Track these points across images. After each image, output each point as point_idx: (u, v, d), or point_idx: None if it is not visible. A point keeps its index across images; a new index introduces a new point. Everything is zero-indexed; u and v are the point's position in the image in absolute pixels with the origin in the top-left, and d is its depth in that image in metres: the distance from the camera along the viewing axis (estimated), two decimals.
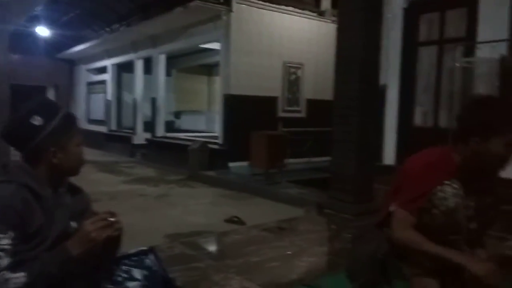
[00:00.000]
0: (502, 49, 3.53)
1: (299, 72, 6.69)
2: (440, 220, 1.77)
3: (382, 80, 4.40)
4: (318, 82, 6.63)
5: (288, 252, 2.44)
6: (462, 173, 1.82)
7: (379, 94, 4.36)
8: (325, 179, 3.75)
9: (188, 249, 2.42)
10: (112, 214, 1.27)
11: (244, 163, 5.64)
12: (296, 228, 3.09)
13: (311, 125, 6.30)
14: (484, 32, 3.72)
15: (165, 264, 2.07)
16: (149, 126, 8.47)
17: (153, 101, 8.33)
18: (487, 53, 3.59)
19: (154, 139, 8.18)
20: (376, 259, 1.85)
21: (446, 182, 1.76)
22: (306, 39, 6.67)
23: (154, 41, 8.07)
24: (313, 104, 6.73)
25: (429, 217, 1.79)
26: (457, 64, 3.76)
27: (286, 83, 6.56)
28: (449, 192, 1.74)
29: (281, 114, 6.51)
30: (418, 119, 4.32)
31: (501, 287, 1.67)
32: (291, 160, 5.81)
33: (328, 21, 6.69)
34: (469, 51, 3.78)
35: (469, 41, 3.79)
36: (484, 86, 3.53)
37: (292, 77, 6.62)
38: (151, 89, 8.49)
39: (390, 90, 4.45)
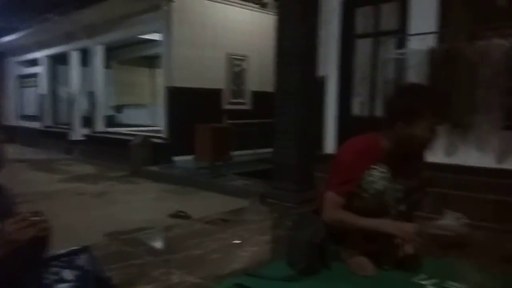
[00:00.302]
0: (431, 41, 3.74)
1: (243, 64, 6.69)
2: (370, 203, 1.86)
3: (322, 72, 4.51)
4: (263, 74, 6.67)
5: (235, 241, 2.44)
6: (389, 157, 1.92)
7: (320, 85, 4.47)
8: (270, 170, 3.80)
9: (126, 246, 2.34)
10: (36, 214, 1.19)
11: (189, 157, 5.56)
12: (239, 219, 3.10)
13: (257, 117, 6.34)
14: (415, 25, 3.91)
15: (101, 263, 1.99)
16: (88, 121, 8.06)
17: (91, 95, 7.93)
18: (418, 45, 3.79)
19: (93, 134, 7.81)
20: (313, 244, 1.90)
21: (374, 166, 1.85)
22: (250, 31, 6.67)
23: (90, 31, 7.67)
24: (258, 96, 6.76)
25: (360, 201, 1.87)
26: (391, 56, 3.95)
27: (230, 75, 6.53)
28: (377, 176, 1.84)
29: (226, 106, 6.48)
30: (356, 109, 4.48)
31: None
32: (237, 152, 5.82)
33: (271, 13, 6.72)
34: (402, 43, 3.97)
35: (401, 34, 3.98)
36: (415, 76, 3.72)
37: (236, 69, 6.60)
38: (88, 82, 8.07)
39: (330, 81, 4.57)
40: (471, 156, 3.70)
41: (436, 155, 3.93)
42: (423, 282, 1.81)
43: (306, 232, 1.94)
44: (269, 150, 5.21)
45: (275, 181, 3.46)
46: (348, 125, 4.38)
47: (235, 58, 6.56)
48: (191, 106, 5.87)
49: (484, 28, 3.54)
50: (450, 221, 2.35)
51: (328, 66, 4.54)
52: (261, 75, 6.74)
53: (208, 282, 1.85)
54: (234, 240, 2.49)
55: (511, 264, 2.00)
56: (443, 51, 3.54)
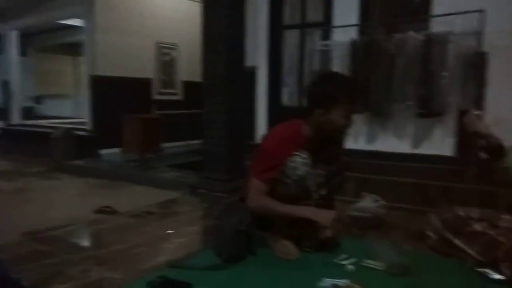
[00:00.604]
0: (354, 33, 3.92)
1: (173, 53, 6.50)
2: (293, 188, 1.91)
3: (253, 62, 4.54)
4: (194, 63, 6.52)
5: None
6: (310, 143, 1.99)
7: (250, 75, 4.50)
8: (202, 161, 3.75)
9: (42, 245, 2.17)
10: None
11: (117, 150, 5.31)
12: (166, 211, 3.03)
13: (189, 108, 6.21)
14: (338, 17, 4.07)
15: (12, 264, 1.83)
16: (3, 113, 7.37)
17: (6, 85, 7.25)
18: (341, 37, 3.95)
19: (9, 127, 7.16)
20: (239, 232, 1.91)
21: (296, 153, 1.91)
22: (179, 19, 6.49)
23: (2, 15, 6.97)
24: (189, 86, 6.63)
25: (283, 186, 1.92)
26: (316, 47, 4.07)
27: (160, 64, 6.32)
28: (299, 162, 1.89)
29: (157, 96, 6.27)
30: (285, 99, 4.58)
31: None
32: (168, 144, 5.68)
33: (200, 1, 6.60)
34: (327, 35, 4.11)
35: (325, 26, 4.12)
36: (339, 67, 3.88)
37: (166, 58, 6.40)
38: (2, 71, 7.36)
39: (260, 72, 4.61)
40: (390, 143, 3.96)
41: (358, 143, 4.16)
42: (343, 262, 1.89)
43: (231, 220, 1.94)
44: (202, 141, 5.15)
45: (205, 171, 3.43)
46: (278, 115, 4.46)
47: (164, 47, 6.36)
48: (118, 96, 5.59)
49: (400, 22, 3.78)
50: (367, 203, 2.51)
51: (258, 57, 4.59)
52: (192, 65, 6.60)
53: (129, 277, 1.78)
54: (161, 232, 2.43)
55: (422, 241, 2.16)
56: (363, 43, 3.73)
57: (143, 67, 6.05)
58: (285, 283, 1.74)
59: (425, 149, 3.80)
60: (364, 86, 3.79)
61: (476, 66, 3.41)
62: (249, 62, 4.39)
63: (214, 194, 3.24)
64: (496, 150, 1.86)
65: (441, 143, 3.74)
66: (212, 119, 3.28)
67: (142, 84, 6.06)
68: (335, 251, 2.01)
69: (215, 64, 3.21)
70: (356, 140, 4.17)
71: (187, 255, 2.02)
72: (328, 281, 1.67)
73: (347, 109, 1.88)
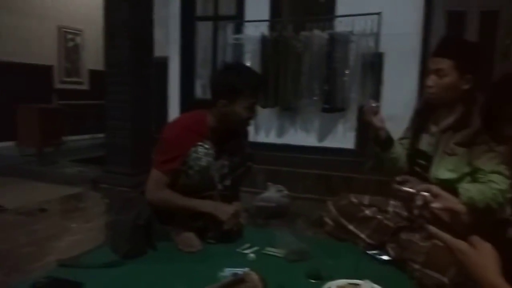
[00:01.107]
0: (264, 28, 3.99)
1: (78, 39, 6.04)
2: (196, 179, 1.88)
3: (164, 52, 4.39)
4: (101, 50, 6.14)
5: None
6: (214, 134, 1.97)
7: (162, 66, 4.35)
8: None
9: None
10: None
11: (11, 143, 4.80)
12: (63, 207, 2.81)
13: (96, 98, 5.81)
14: (250, 12, 4.12)
15: None
16: None
17: None
18: (253, 31, 4.00)
19: None
20: (137, 226, 1.82)
21: (199, 143, 1.88)
22: (85, 2, 6.04)
23: None
24: (96, 75, 6.19)
25: (186, 178, 1.87)
26: (229, 41, 4.08)
27: (62, 50, 5.83)
28: (201, 152, 1.86)
29: (59, 85, 5.79)
30: (198, 91, 4.52)
31: None
32: (73, 137, 5.28)
33: None
34: (239, 29, 4.13)
35: (238, 19, 4.13)
36: (250, 60, 3.92)
37: (70, 44, 5.93)
38: None
39: (172, 63, 4.49)
40: (298, 136, 4.13)
41: (269, 136, 4.28)
42: (245, 251, 1.91)
43: (130, 214, 1.85)
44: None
45: (108, 165, 3.24)
46: (191, 108, 4.38)
47: (68, 32, 5.87)
48: (12, 84, 5.04)
49: (307, 20, 3.94)
50: (272, 193, 2.57)
51: (171, 47, 4.46)
52: (99, 52, 6.19)
53: (13, 279, 1.60)
54: (53, 230, 2.23)
55: (321, 228, 2.27)
56: (273, 39, 3.82)
57: (44, 53, 5.54)
58: (185, 276, 1.70)
59: (330, 143, 4.03)
60: (274, 81, 3.89)
61: (373, 65, 3.68)
62: (160, 52, 4.25)
63: (118, 189, 3.08)
64: (385, 141, 2.01)
65: (343, 136, 3.99)
66: (116, 109, 3.10)
67: (42, 72, 5.54)
68: (238, 241, 2.02)
69: (118, 51, 3.03)
70: (267, 134, 4.27)
71: (81, 253, 1.88)
72: (228, 271, 1.67)
73: (250, 101, 1.90)
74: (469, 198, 1.54)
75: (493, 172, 1.64)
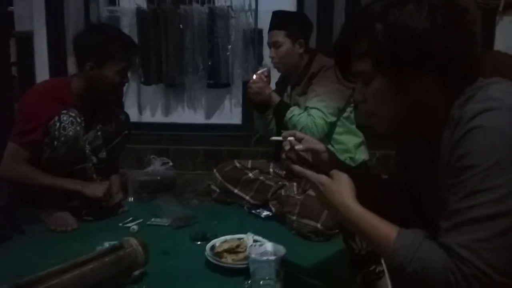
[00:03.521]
0: (141, 1, 3.79)
1: None
2: (63, 151, 1.70)
3: (28, 27, 3.90)
4: None
5: None
6: (81, 102, 1.82)
7: (26, 42, 3.87)
8: None
9: None
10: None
11: None
12: None
13: None
14: None
15: None
16: None
17: None
18: (128, 3, 3.77)
19: None
20: None
21: (63, 111, 1.71)
22: None
23: None
24: None
25: (51, 151, 1.69)
26: (103, 13, 3.79)
27: None
28: (67, 121, 1.67)
29: None
30: (71, 70, 4.12)
31: None
32: None
33: None
34: (113, 0, 3.87)
35: None
36: (129, 33, 3.70)
37: None
38: None
39: (38, 39, 4.01)
40: (185, 115, 4.06)
41: (155, 116, 4.13)
42: (129, 224, 1.83)
43: None
44: None
45: None
46: None
47: None
48: None
49: None
50: (156, 167, 2.50)
51: (34, 21, 3.97)
52: None
53: None
54: None
55: (208, 196, 2.29)
56: (151, 11, 3.66)
57: None
58: (59, 255, 1.55)
59: (217, 119, 4.06)
60: (155, 56, 3.75)
61: (254, 41, 3.78)
62: (23, 26, 3.78)
63: None
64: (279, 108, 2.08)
65: (230, 112, 4.05)
66: None
67: None
68: (120, 216, 1.93)
69: None
70: (153, 113, 4.13)
71: None
72: (107, 244, 1.57)
73: (121, 64, 1.78)
74: (293, 116, 1.93)
75: (313, 108, 1.96)
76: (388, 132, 1.01)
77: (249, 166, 2.25)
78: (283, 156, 1.14)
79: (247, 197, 2.13)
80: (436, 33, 0.83)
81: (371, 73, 0.90)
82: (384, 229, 0.89)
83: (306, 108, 1.98)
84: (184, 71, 3.78)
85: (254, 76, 2.07)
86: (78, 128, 1.70)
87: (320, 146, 1.15)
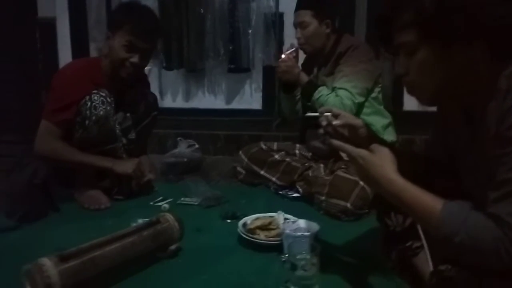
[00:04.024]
0: None
1: None
2: (94, 131, 1.70)
3: (51, 13, 3.95)
4: None
5: None
6: (110, 81, 1.83)
7: (49, 28, 3.91)
8: None
9: None
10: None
11: None
12: None
13: None
14: None
15: None
16: None
17: None
18: None
19: None
20: (33, 185, 1.65)
21: (94, 91, 1.72)
22: None
23: None
24: None
25: (82, 130, 1.71)
26: None
27: None
28: (97, 100, 1.69)
29: None
30: (93, 54, 4.17)
31: None
32: None
33: None
34: None
35: None
36: None
37: None
38: None
39: (61, 24, 4.05)
40: (206, 100, 4.08)
41: (176, 101, 4.16)
42: (159, 203, 1.87)
43: (23, 173, 1.66)
44: None
45: None
46: None
47: None
48: None
49: None
50: (182, 149, 2.53)
51: (57, 7, 4.01)
52: None
53: None
54: None
55: (234, 177, 2.31)
56: None
57: None
58: (94, 232, 1.59)
59: (238, 104, 4.06)
60: (176, 42, 3.77)
61: (275, 25, 3.75)
62: (45, 12, 3.84)
63: (11, 159, 2.74)
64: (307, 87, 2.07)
65: (250, 97, 4.04)
66: None
67: None
68: (150, 195, 1.96)
69: None
70: (174, 98, 4.16)
71: None
72: (142, 221, 1.61)
73: (127, 37, 1.71)
74: (321, 97, 1.91)
75: (341, 88, 1.93)
76: (430, 104, 1.00)
77: (275, 148, 2.26)
78: (320, 131, 1.14)
79: (274, 179, 2.14)
80: (487, 0, 0.82)
81: (416, 44, 0.89)
82: (429, 200, 0.88)
83: (333, 89, 1.96)
84: (205, 56, 3.79)
85: (283, 55, 2.06)
86: (108, 108, 1.72)
87: (357, 121, 1.15)
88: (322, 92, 1.95)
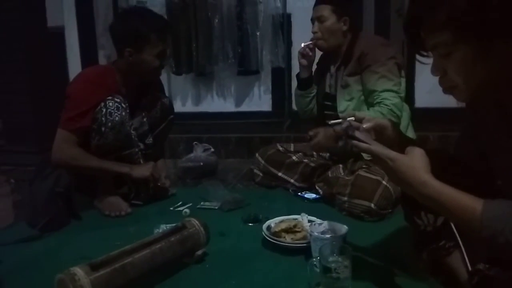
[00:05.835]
0: None
1: None
2: (111, 137, 1.69)
3: (59, 22, 3.96)
4: None
5: None
6: (125, 87, 1.82)
7: (58, 37, 3.93)
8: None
9: None
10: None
11: None
12: None
13: None
14: None
15: None
16: None
17: None
18: None
19: None
20: (56, 194, 1.65)
21: (109, 97, 1.72)
22: None
23: None
24: None
25: (100, 137, 1.70)
26: (131, 3, 3.81)
27: None
28: (112, 107, 1.67)
29: None
30: (102, 62, 4.18)
31: None
32: None
33: None
34: None
35: None
36: None
37: None
38: None
39: (69, 33, 4.07)
40: (215, 103, 4.08)
41: (185, 105, 4.16)
42: (178, 209, 1.86)
43: (46, 182, 1.65)
44: None
45: (8, 145, 2.88)
46: None
47: None
48: None
49: None
50: (198, 153, 2.52)
51: (65, 16, 4.02)
52: None
53: None
54: None
55: (251, 179, 2.29)
56: (180, 1, 3.66)
57: None
58: (118, 239, 1.58)
59: (247, 106, 4.06)
60: (185, 46, 3.77)
61: (283, 26, 3.74)
62: (54, 21, 3.84)
63: (24, 168, 2.76)
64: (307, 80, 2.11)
65: (259, 99, 4.04)
66: (9, 83, 2.74)
67: None
68: (169, 200, 1.95)
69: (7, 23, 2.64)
70: (184, 102, 4.16)
71: None
72: (164, 226, 1.60)
73: (159, 48, 1.76)
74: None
75: (384, 90, 1.87)
76: (468, 100, 0.98)
77: (292, 149, 2.24)
78: (343, 135, 1.11)
79: (292, 180, 2.12)
80: None
81: (451, 44, 0.87)
82: (468, 201, 0.86)
83: (372, 92, 1.90)
84: (214, 60, 3.78)
85: (302, 44, 2.08)
86: (123, 114, 1.71)
87: (385, 121, 1.13)
88: (369, 113, 1.81)
